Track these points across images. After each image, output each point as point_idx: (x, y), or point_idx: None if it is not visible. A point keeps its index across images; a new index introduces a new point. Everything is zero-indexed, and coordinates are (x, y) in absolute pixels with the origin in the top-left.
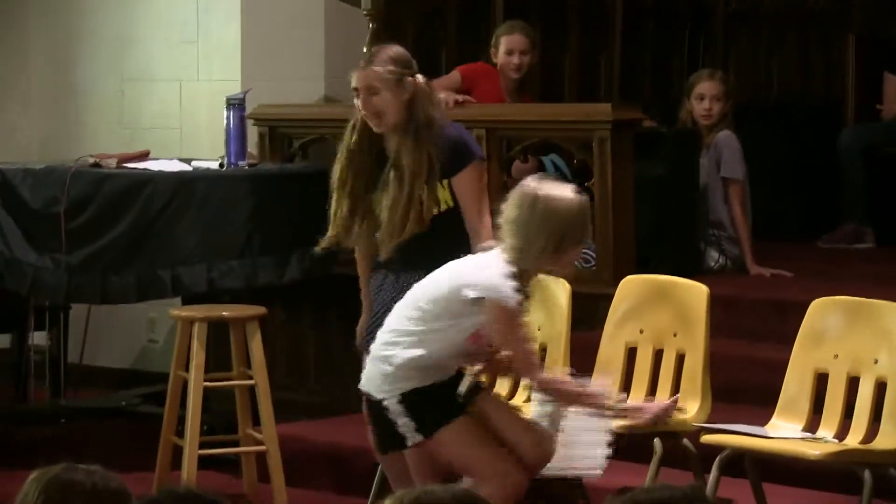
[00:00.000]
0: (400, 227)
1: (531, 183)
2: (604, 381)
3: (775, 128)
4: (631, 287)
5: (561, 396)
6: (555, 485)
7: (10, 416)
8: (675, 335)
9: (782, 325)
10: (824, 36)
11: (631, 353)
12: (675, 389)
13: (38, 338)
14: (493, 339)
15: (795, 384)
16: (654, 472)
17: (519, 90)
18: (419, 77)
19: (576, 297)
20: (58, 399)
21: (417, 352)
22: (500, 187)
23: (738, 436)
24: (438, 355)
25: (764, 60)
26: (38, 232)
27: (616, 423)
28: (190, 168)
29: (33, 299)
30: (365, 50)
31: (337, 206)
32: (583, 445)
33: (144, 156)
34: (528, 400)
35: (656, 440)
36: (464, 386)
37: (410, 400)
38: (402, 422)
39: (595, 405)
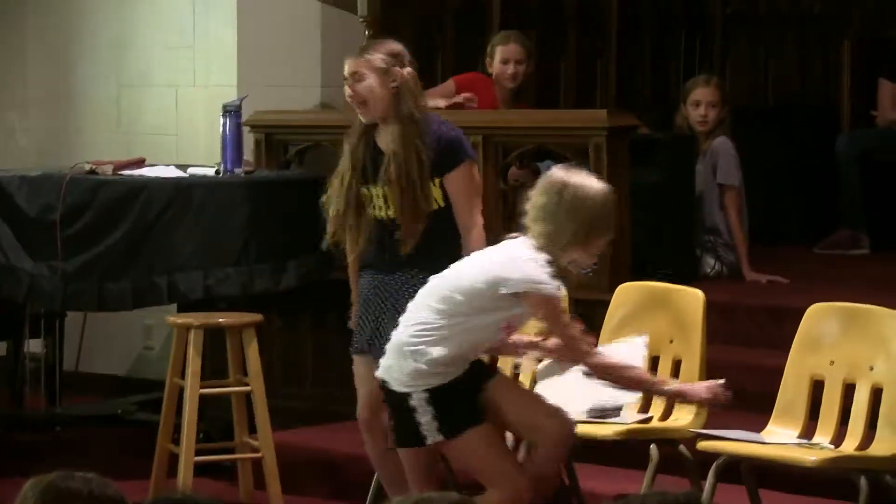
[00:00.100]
0: (411, 215)
1: (559, 172)
2: (634, 347)
3: (774, 130)
4: (627, 293)
5: (614, 377)
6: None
7: (6, 423)
8: (671, 341)
9: (778, 331)
10: (822, 38)
11: None
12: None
13: (34, 345)
14: (542, 328)
15: (791, 390)
16: (651, 478)
17: (514, 99)
18: (407, 69)
19: (572, 303)
20: (54, 406)
21: (447, 347)
22: (496, 194)
23: (735, 442)
24: (467, 349)
25: (762, 62)
26: (34, 239)
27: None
28: (186, 175)
29: (29, 306)
30: None
31: (333, 201)
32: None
33: (140, 162)
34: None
35: (652, 447)
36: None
37: (437, 398)
38: (426, 420)
39: (646, 386)
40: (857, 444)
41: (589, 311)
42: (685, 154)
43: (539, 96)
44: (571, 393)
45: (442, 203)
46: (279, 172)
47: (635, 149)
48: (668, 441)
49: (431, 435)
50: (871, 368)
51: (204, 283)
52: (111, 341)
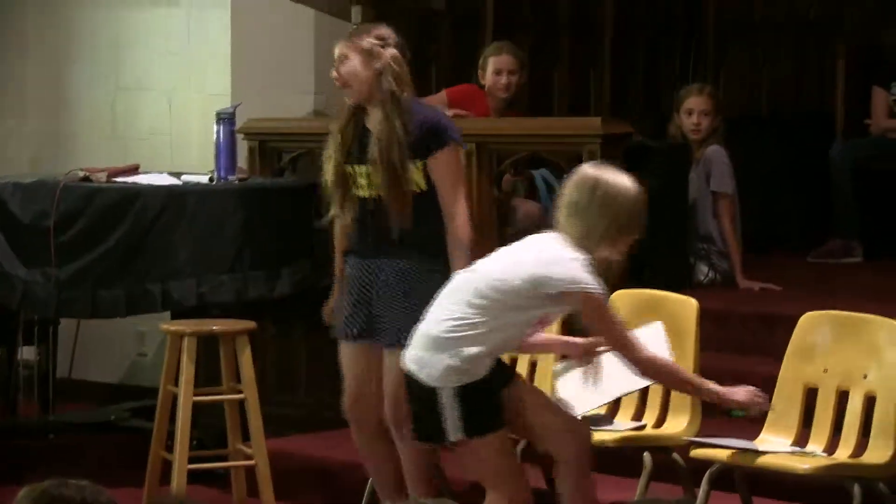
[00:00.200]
0: (396, 197)
1: (589, 168)
2: (655, 332)
3: (768, 137)
4: (621, 301)
5: (659, 375)
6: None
7: None
8: None
9: (771, 339)
10: (818, 44)
11: None
12: (665, 403)
13: (28, 352)
14: (588, 327)
15: (785, 398)
16: (644, 486)
17: (507, 110)
18: (391, 51)
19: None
20: (47, 413)
21: (483, 345)
22: (490, 202)
23: (728, 450)
24: (499, 345)
25: (757, 69)
26: (28, 246)
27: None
28: (180, 182)
29: (23, 313)
30: None
31: (326, 179)
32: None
33: (134, 169)
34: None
35: (646, 454)
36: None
37: (466, 396)
38: (452, 416)
39: (689, 386)
40: (850, 451)
41: None
42: (679, 162)
43: (533, 104)
44: (587, 390)
45: (424, 187)
46: (273, 180)
47: (629, 157)
48: (661, 448)
49: (455, 432)
50: (865, 376)
51: (198, 290)
52: (104, 348)
